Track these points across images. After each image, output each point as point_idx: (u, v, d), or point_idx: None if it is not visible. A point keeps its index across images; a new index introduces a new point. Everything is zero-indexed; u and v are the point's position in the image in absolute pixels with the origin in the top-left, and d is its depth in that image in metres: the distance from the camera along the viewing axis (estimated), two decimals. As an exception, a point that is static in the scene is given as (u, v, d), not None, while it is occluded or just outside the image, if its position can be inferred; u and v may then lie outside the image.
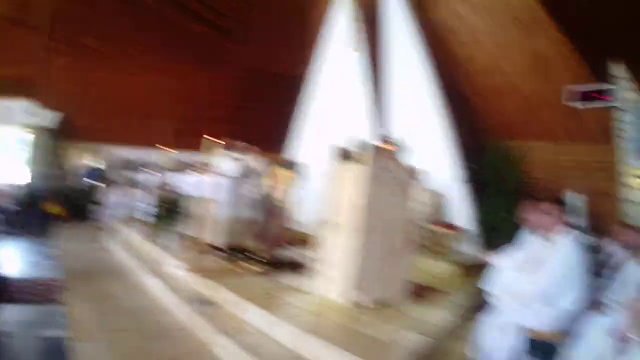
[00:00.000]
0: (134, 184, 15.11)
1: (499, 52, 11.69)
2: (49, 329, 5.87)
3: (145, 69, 16.67)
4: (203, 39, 16.63)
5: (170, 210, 8.87)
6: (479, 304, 6.62)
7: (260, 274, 6.86)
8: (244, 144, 10.37)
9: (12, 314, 6.42)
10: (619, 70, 9.98)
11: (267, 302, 5.43)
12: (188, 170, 11.35)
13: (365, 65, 12.52)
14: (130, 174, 16.90)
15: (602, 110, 10.53)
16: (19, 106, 16.67)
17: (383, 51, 12.28)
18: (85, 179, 16.87)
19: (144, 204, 12.27)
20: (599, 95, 10.52)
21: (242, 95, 16.92)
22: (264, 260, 7.18)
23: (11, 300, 6.93)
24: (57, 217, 15.40)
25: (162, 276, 7.42)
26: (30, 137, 17.26)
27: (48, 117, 16.72)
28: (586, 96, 10.72)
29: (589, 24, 9.76)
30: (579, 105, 10.82)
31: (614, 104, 10.21)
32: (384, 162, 5.66)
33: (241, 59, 17.06)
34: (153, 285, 7.37)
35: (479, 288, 6.86)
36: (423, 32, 11.69)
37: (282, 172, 7.55)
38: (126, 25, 15.99)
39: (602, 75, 10.28)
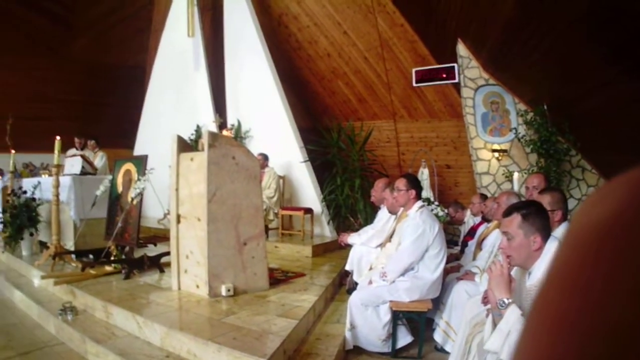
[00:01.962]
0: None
1: (340, 36, 12.06)
2: None
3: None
4: (38, 29, 15.65)
5: (21, 216, 8.53)
6: (341, 283, 7.05)
7: (118, 274, 6.81)
8: (81, 139, 10.22)
9: None
10: (461, 49, 10.63)
11: (130, 303, 5.43)
12: (39, 173, 10.96)
13: (203, 51, 12.58)
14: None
15: (448, 88, 11.19)
16: None
17: (222, 37, 12.39)
18: None
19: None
20: (442, 74, 11.14)
21: (85, 90, 16.25)
22: (119, 260, 7.13)
23: None
24: None
25: (24, 288, 7.18)
26: None
27: None
28: (429, 75, 11.31)
29: (429, 7, 10.28)
30: (422, 84, 11.45)
31: (457, 81, 10.88)
32: (224, 149, 5.74)
33: (79, 50, 16.33)
34: (18, 299, 7.11)
35: (340, 268, 7.29)
36: (262, 17, 11.90)
37: (129, 167, 7.43)
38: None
39: (444, 54, 10.88)
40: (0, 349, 5.44)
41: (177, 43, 13.27)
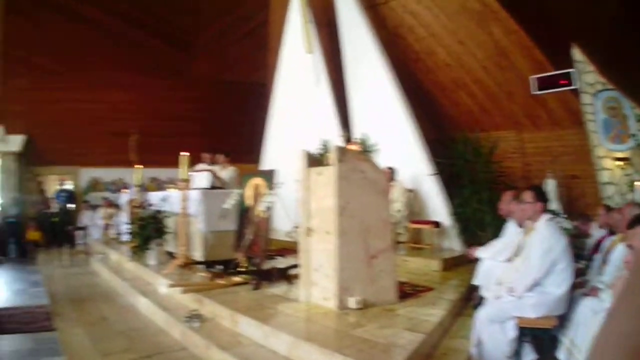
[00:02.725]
0: (109, 204, 15.03)
1: (457, 46, 11.84)
2: (44, 357, 5.83)
3: (105, 86, 16.67)
4: (161, 52, 16.51)
5: (148, 228, 8.81)
6: (469, 298, 6.78)
7: (246, 285, 6.84)
8: (210, 155, 10.39)
9: (6, 345, 6.39)
10: (576, 54, 10.15)
11: (258, 313, 5.44)
12: (165, 187, 11.32)
13: (323, 67, 12.58)
14: (104, 194, 16.85)
15: (568, 94, 10.70)
16: None
17: (341, 52, 12.35)
18: (57, 202, 16.66)
19: (121, 223, 12.18)
20: (560, 80, 10.67)
21: (207, 107, 16.87)
22: (248, 271, 7.17)
23: (2, 331, 6.90)
24: (35, 243, 15.28)
25: (150, 295, 7.38)
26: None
27: (13, 142, 16.51)
28: (548, 82, 10.86)
29: (541, 12, 9.91)
30: (542, 92, 11.00)
31: (576, 87, 10.38)
32: (353, 163, 5.68)
33: (200, 70, 17.00)
34: (143, 305, 7.33)
35: (468, 282, 7.02)
36: (378, 31, 11.79)
37: (256, 181, 7.54)
38: (79, 43, 15.99)
39: (560, 61, 10.43)
40: (122, 352, 5.62)
41: (296, 59, 13.40)
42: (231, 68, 16.55)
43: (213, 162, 10.30)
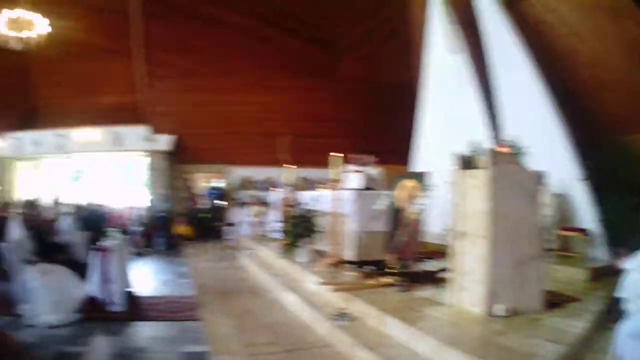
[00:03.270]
0: (260, 202, 15.53)
1: (599, 44, 11.22)
2: (186, 345, 6.14)
3: (252, 87, 17.37)
4: (306, 55, 16.88)
5: (299, 226, 9.03)
6: (614, 311, 6.49)
7: (395, 286, 6.83)
8: (362, 156, 10.47)
9: (147, 331, 6.81)
10: None
11: (405, 315, 5.48)
12: (315, 187, 11.57)
13: (469, 67, 12.36)
14: (255, 192, 17.47)
15: None
16: (135, 132, 17.87)
17: (485, 52, 12.08)
18: (208, 199, 17.41)
19: (270, 221, 12.63)
20: None
21: (354, 108, 17.07)
22: (398, 273, 7.17)
23: (145, 317, 7.39)
24: (185, 237, 16.09)
25: (298, 292, 7.62)
26: (148, 161, 18.38)
27: (163, 141, 17.72)
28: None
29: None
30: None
31: None
32: (503, 166, 5.58)
33: (346, 71, 17.21)
34: (290, 301, 7.57)
35: (614, 295, 6.72)
36: (520, 29, 11.42)
37: (408, 183, 7.54)
38: (222, 46, 16.85)
39: None
40: (265, 344, 5.86)
41: (441, 60, 13.22)
42: (377, 69, 16.65)
43: (362, 163, 10.40)
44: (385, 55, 16.30)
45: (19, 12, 13.12)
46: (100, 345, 6.36)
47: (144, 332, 6.79)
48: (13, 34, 13.22)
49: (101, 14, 16.22)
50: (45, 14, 13.54)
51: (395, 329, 5.29)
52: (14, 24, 13.14)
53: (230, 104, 17.47)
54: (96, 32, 16.65)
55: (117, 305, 7.45)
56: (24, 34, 13.32)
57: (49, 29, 13.70)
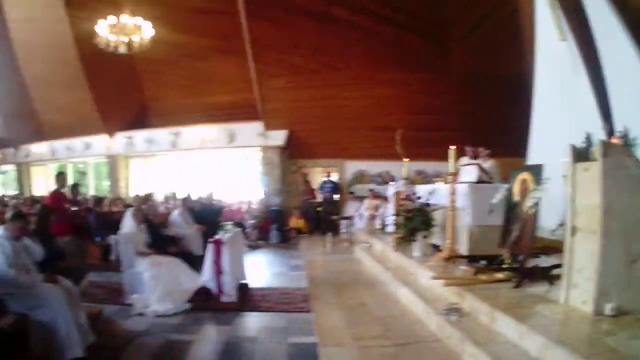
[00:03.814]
0: (375, 195, 15.67)
1: None
2: (295, 336, 6.35)
3: (365, 82, 17.56)
4: (416, 48, 16.80)
5: (415, 220, 9.04)
6: None
7: (507, 282, 6.74)
8: (476, 148, 10.34)
9: (257, 321, 7.10)
10: None
11: (516, 311, 5.43)
12: (432, 180, 11.55)
13: (577, 54, 11.83)
14: (370, 186, 17.66)
15: None
16: (249, 128, 18.70)
17: (592, 39, 11.52)
18: (322, 193, 17.75)
19: (387, 215, 12.74)
20: None
21: (466, 100, 16.86)
22: (511, 268, 7.03)
23: (256, 308, 7.71)
24: (299, 231, 16.51)
25: (411, 285, 7.69)
26: (261, 156, 19.14)
27: (276, 136, 18.43)
28: None
29: None
30: None
31: None
32: (618, 158, 5.33)
33: (457, 64, 17.00)
34: (403, 295, 7.67)
35: None
36: (623, 13, 10.80)
37: (524, 176, 7.32)
38: (332, 43, 17.04)
39: None
40: (375, 337, 6.00)
41: (551, 48, 12.69)
42: (487, 60, 16.29)
43: (475, 156, 10.28)
44: (494, 46, 15.92)
45: (124, 18, 13.93)
46: (208, 334, 6.71)
47: (253, 322, 7.12)
48: (121, 38, 14.07)
49: (209, 15, 17.20)
50: (149, 18, 14.47)
51: (504, 326, 5.27)
52: (118, 28, 13.96)
53: (342, 98, 17.73)
54: (207, 33, 17.69)
55: (229, 296, 7.83)
56: (129, 38, 14.14)
57: (153, 32, 14.51)
